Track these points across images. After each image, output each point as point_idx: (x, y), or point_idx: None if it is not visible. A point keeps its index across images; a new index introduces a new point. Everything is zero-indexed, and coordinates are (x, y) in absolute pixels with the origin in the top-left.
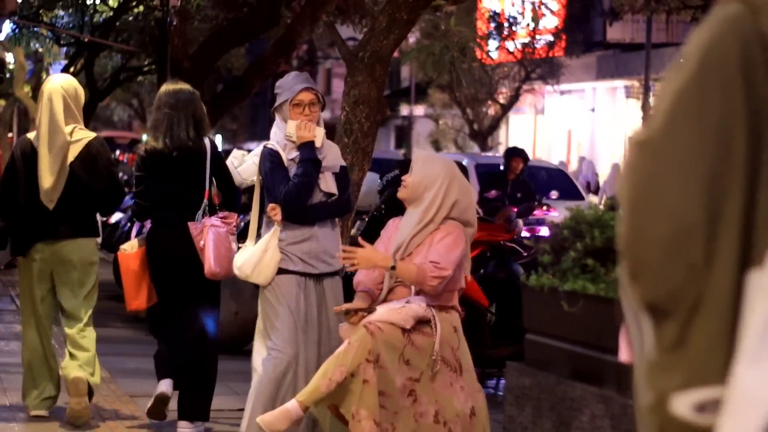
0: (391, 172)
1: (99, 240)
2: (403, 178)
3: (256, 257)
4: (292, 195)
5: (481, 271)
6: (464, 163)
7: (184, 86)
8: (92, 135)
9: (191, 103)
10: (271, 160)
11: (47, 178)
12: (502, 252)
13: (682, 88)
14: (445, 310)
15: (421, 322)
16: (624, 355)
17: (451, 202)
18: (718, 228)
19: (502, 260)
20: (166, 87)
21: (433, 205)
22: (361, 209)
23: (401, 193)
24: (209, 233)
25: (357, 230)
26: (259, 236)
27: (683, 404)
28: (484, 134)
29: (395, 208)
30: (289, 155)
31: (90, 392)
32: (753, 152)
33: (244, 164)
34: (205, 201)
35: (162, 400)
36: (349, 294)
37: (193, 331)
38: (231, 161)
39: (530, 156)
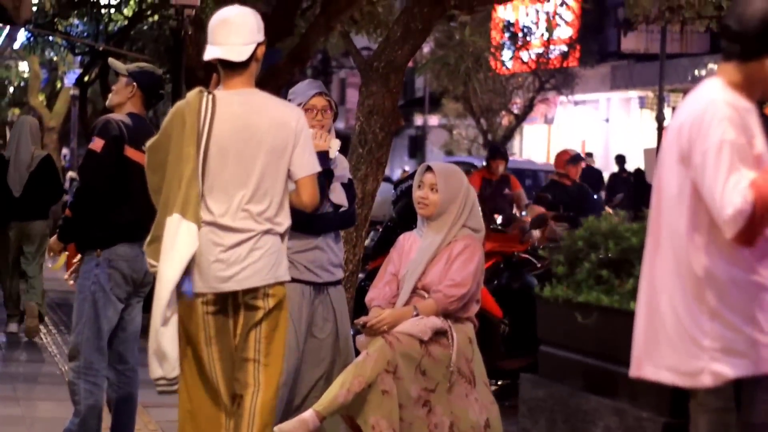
0: (405, 183)
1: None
2: (421, 195)
3: None
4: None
5: (495, 282)
6: (457, 161)
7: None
8: (45, 153)
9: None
10: None
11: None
12: (515, 263)
13: (165, 124)
14: (461, 321)
15: (438, 333)
16: (634, 370)
17: (469, 209)
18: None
19: (516, 271)
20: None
21: (457, 217)
22: (375, 219)
23: (425, 212)
24: None
25: (371, 241)
26: None
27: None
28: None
29: (409, 218)
30: None
31: (40, 316)
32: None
33: None
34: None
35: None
36: (360, 310)
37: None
38: None
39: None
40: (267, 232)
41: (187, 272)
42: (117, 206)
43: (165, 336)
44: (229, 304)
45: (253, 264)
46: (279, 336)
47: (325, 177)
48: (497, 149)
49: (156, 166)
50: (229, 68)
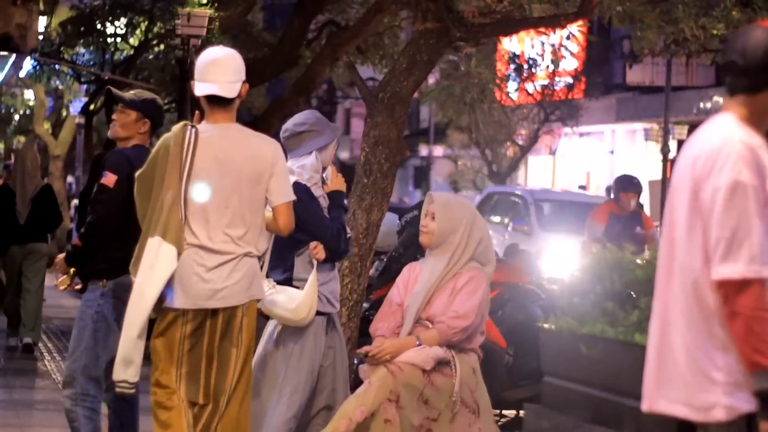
0: (410, 213)
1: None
2: (422, 224)
3: (310, 299)
4: (342, 236)
5: (499, 312)
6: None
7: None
8: (44, 182)
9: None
10: (309, 197)
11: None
12: (520, 294)
13: (152, 155)
14: (465, 351)
15: (441, 363)
16: (646, 405)
17: (475, 242)
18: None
19: (520, 302)
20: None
21: (459, 248)
22: (380, 250)
23: (423, 239)
24: None
25: (375, 270)
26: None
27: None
28: (502, 175)
29: (414, 248)
30: (315, 192)
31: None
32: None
33: None
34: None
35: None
36: (365, 340)
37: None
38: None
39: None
40: (246, 254)
41: (169, 285)
42: (123, 240)
43: (138, 347)
44: (207, 321)
45: (233, 285)
46: (248, 351)
47: (344, 212)
48: (630, 180)
49: (144, 193)
50: (217, 104)
